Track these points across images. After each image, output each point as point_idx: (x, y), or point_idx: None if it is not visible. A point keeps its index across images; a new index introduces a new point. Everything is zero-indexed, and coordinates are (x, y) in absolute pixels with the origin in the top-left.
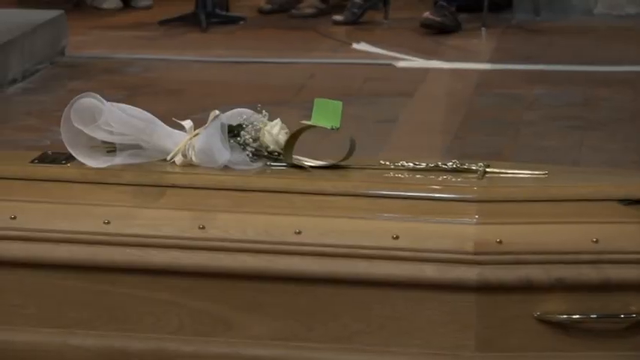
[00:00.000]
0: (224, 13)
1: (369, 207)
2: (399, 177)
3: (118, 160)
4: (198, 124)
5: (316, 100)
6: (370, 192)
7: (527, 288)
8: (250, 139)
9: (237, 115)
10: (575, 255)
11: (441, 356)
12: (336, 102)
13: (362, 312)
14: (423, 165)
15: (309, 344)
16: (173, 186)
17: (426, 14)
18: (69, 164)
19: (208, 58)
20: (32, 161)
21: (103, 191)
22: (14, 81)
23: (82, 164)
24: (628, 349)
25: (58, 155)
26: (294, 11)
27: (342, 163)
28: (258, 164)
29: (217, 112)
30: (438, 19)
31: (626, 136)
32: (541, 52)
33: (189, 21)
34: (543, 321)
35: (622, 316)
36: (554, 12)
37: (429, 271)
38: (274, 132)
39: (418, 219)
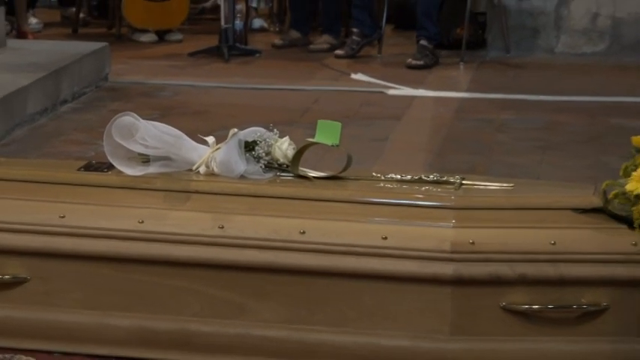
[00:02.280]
0: (243, 47)
1: (363, 212)
2: (388, 187)
3: (151, 169)
4: (219, 140)
5: (319, 122)
6: (364, 199)
7: (495, 282)
8: (263, 153)
9: (252, 132)
10: (536, 255)
11: (421, 339)
12: (335, 123)
13: (355, 301)
14: (409, 177)
15: (310, 327)
16: (197, 192)
17: (410, 60)
18: (110, 172)
19: (229, 84)
20: (79, 169)
21: (138, 195)
22: (65, 101)
23: (121, 172)
24: (579, 334)
25: (101, 164)
26: (311, 46)
27: (341, 175)
28: (270, 175)
29: (235, 130)
30: (420, 62)
31: (582, 155)
32: (510, 84)
33: (213, 53)
34: (508, 310)
35: (574, 306)
36: (522, 50)
37: (412, 267)
38: (283, 147)
39: (404, 222)
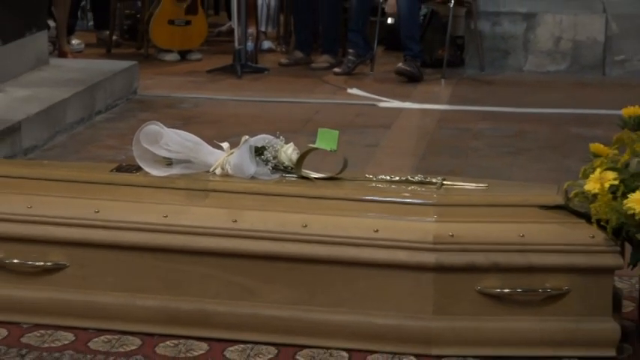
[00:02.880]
0: (254, 65)
1: (357, 208)
2: (379, 187)
3: (174, 170)
4: (233, 145)
5: (319, 130)
6: (358, 197)
7: (471, 269)
8: (271, 157)
9: (262, 139)
10: (507, 245)
11: (408, 318)
12: (334, 131)
13: (350, 285)
14: (397, 178)
15: (311, 307)
16: (214, 190)
17: (399, 65)
18: (138, 173)
19: (241, 97)
20: (111, 170)
21: (162, 193)
22: (99, 112)
23: (148, 173)
24: (544, 314)
25: (130, 166)
26: (313, 65)
27: (338, 176)
28: (277, 176)
29: (247, 137)
30: (408, 68)
31: (546, 159)
32: (485, 98)
33: (228, 70)
34: (483, 293)
35: (540, 290)
36: (495, 68)
37: (400, 256)
38: (288, 152)
39: (393, 217)
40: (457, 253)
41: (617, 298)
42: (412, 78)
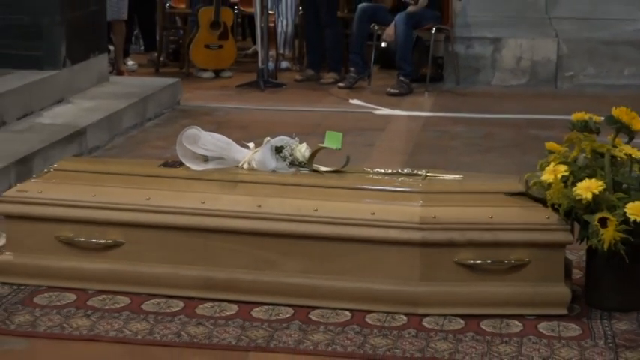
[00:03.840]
0: (274, 81)
1: (357, 195)
2: (375, 178)
3: (209, 165)
4: (257, 145)
5: (327, 132)
6: (358, 186)
7: (450, 244)
8: (288, 155)
9: (280, 140)
10: (479, 225)
11: (399, 284)
12: (338, 133)
13: (352, 257)
14: (389, 171)
15: (321, 275)
16: (242, 182)
17: (390, 89)
18: (180, 168)
19: (263, 107)
20: (159, 166)
21: (200, 184)
22: (150, 119)
23: (188, 168)
24: (509, 280)
25: (174, 162)
26: (321, 80)
27: (342, 169)
28: (293, 169)
29: (268, 138)
30: (397, 91)
31: (510, 156)
32: (460, 106)
33: (253, 85)
34: (459, 264)
35: (505, 261)
36: (468, 82)
37: (392, 234)
38: (302, 150)
39: (386, 203)
40: (439, 232)
41: (567, 268)
42: (401, 93)
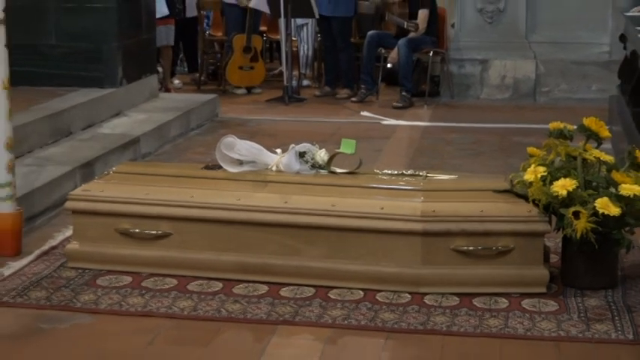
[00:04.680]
0: (297, 96)
1: (369, 193)
2: (383, 178)
3: (244, 168)
4: (283, 150)
5: (343, 139)
6: (369, 185)
7: (447, 234)
8: (310, 159)
9: (303, 146)
10: (471, 217)
11: (404, 267)
12: (352, 140)
13: (365, 244)
14: (395, 172)
15: (338, 260)
16: (271, 182)
17: (394, 103)
18: (219, 170)
19: (288, 118)
20: (201, 168)
21: (236, 183)
22: (193, 129)
23: (226, 170)
24: (496, 264)
25: (214, 165)
26: (337, 96)
27: (355, 171)
28: (313, 171)
29: (293, 145)
30: (400, 105)
31: (497, 159)
32: (454, 117)
33: (279, 100)
34: (455, 250)
35: (494, 248)
36: (461, 97)
37: (398, 225)
38: (321, 155)
39: (393, 199)
40: (437, 223)
41: (546, 253)
42: (404, 107)
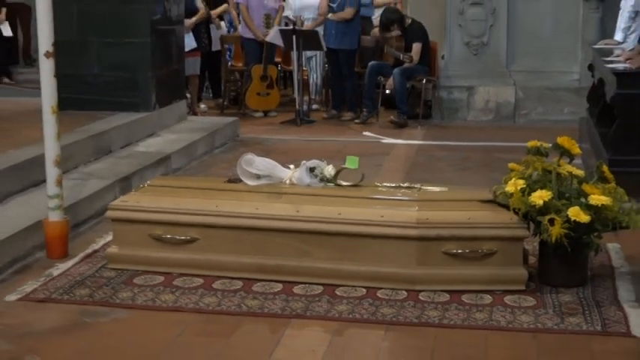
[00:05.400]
0: (307, 118)
1: (371, 203)
2: (383, 190)
3: (261, 181)
4: (296, 166)
5: (347, 156)
6: (371, 196)
7: (439, 239)
8: (319, 173)
9: (313, 162)
10: (460, 224)
11: (401, 268)
12: (356, 157)
13: (367, 248)
14: (394, 185)
15: (343, 262)
16: (285, 193)
17: (392, 117)
18: (240, 183)
19: (300, 138)
20: (224, 182)
21: (255, 195)
22: (217, 147)
23: (246, 183)
24: (482, 265)
25: (236, 179)
26: (342, 118)
27: (359, 184)
28: (322, 184)
29: (304, 161)
30: (397, 120)
31: (481, 173)
32: (444, 136)
33: (292, 122)
34: (446, 253)
35: (479, 251)
36: (450, 119)
37: (396, 231)
38: (329, 170)
39: (392, 208)
40: (430, 229)
41: (525, 255)
42: (400, 125)
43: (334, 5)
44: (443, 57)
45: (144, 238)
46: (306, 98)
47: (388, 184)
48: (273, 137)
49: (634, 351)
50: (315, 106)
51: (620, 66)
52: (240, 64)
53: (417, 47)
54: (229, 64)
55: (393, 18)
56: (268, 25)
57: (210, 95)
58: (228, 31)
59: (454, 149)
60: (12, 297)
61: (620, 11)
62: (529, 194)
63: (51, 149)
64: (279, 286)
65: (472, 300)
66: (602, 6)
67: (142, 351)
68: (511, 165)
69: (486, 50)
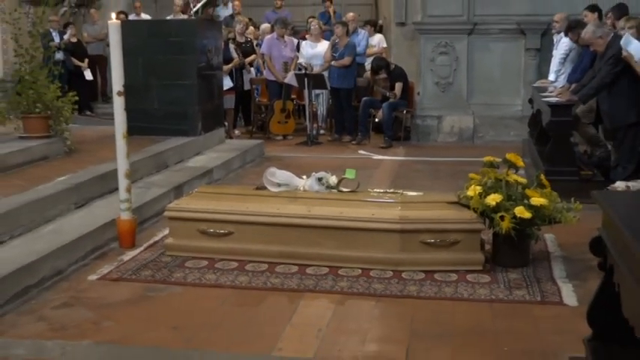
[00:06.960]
0: (316, 141)
1: (364, 204)
2: (374, 194)
3: (281, 189)
4: (307, 177)
5: (347, 169)
6: (365, 199)
7: (417, 231)
8: (325, 182)
9: (320, 174)
10: (433, 220)
11: (388, 253)
12: (353, 169)
13: (362, 239)
14: (382, 191)
15: (344, 249)
16: (299, 197)
17: (381, 144)
18: (265, 190)
19: (310, 155)
20: (253, 189)
21: (276, 199)
22: (247, 163)
23: (269, 190)
24: (450, 251)
25: (262, 187)
26: (343, 140)
27: (355, 190)
28: (327, 191)
29: (314, 173)
30: (384, 145)
31: (449, 180)
32: (420, 154)
33: (304, 143)
34: (422, 242)
35: (448, 240)
36: (424, 141)
37: (384, 226)
38: (333, 179)
39: (380, 208)
40: (410, 224)
41: (482, 243)
42: (387, 146)
43: (336, 55)
44: (418, 93)
45: (192, 232)
46: (315, 125)
47: (378, 190)
48: (290, 155)
49: (565, 315)
50: (321, 132)
51: (553, 99)
52: (265, 100)
53: (399, 86)
54: (257, 99)
55: (381, 64)
56: (286, 70)
57: (243, 123)
58: (256, 75)
59: (428, 163)
60: (93, 277)
61: (552, 58)
62: (485, 197)
63: (122, 165)
64: (296, 268)
65: (442, 278)
66: (539, 54)
67: (191, 317)
68: (471, 175)
69: (451, 88)
